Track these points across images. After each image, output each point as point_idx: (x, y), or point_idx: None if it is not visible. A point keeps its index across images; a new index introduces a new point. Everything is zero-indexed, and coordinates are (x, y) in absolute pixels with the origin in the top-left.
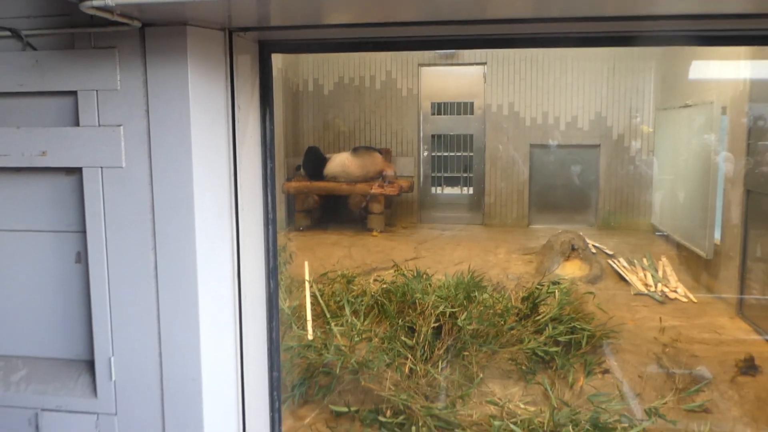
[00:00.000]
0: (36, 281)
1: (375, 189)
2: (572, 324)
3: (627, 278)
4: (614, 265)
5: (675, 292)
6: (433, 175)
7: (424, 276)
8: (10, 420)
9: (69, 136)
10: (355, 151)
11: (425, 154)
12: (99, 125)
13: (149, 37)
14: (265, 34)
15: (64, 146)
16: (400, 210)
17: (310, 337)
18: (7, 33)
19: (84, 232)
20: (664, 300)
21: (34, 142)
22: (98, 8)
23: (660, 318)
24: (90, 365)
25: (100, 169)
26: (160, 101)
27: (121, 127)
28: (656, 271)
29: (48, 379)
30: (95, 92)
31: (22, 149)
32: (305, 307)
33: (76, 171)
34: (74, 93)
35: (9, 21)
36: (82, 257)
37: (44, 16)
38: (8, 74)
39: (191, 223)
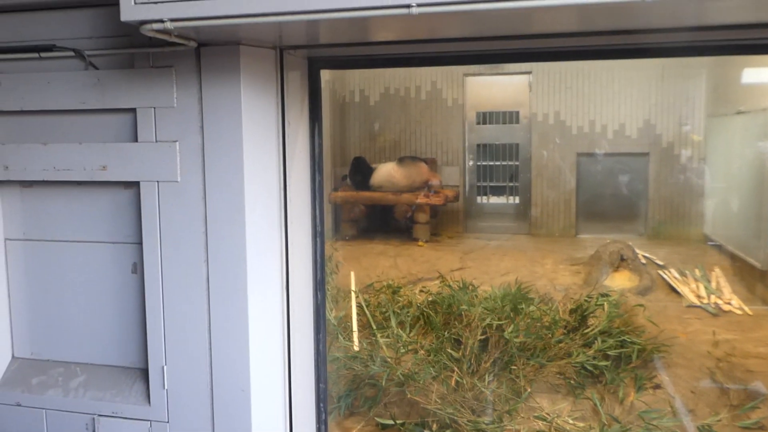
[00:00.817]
0: (94, 291)
1: (421, 199)
2: (622, 337)
3: (678, 290)
4: (665, 276)
5: (729, 304)
6: (478, 184)
7: (470, 287)
8: (69, 424)
9: (128, 152)
10: (401, 161)
11: (470, 163)
12: (156, 141)
13: (204, 56)
14: (315, 51)
15: (123, 161)
16: (445, 220)
17: (356, 348)
18: (71, 53)
19: (140, 243)
20: (718, 312)
21: (95, 157)
22: (157, 30)
23: (713, 331)
24: (144, 373)
25: (156, 183)
26: (214, 118)
27: (177, 143)
28: (709, 282)
29: (105, 385)
30: (153, 109)
31: (84, 164)
32: (351, 317)
33: (134, 185)
34: (133, 110)
35: (73, 42)
36: (138, 268)
37: (106, 37)
38: (72, 93)
39: (242, 236)
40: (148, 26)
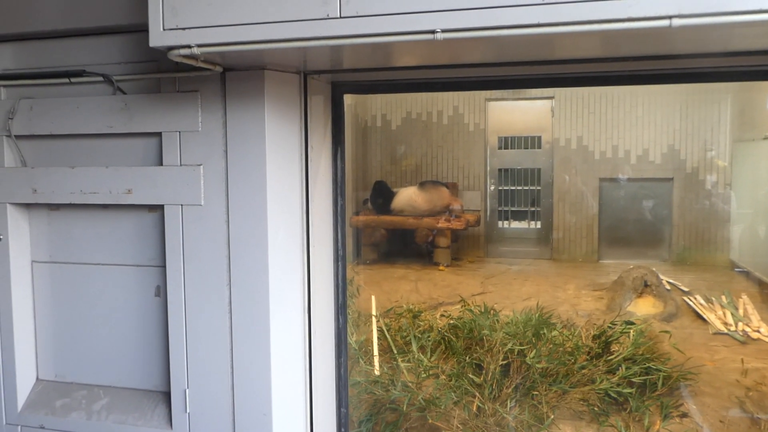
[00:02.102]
0: (118, 313)
1: (442, 223)
2: (647, 364)
3: (704, 316)
4: (690, 303)
5: (758, 332)
6: (500, 209)
7: (492, 312)
8: None
9: (153, 175)
10: (422, 185)
11: (492, 188)
12: (181, 165)
13: (229, 81)
14: (338, 76)
15: (148, 184)
16: (466, 244)
17: (377, 372)
18: (100, 78)
19: (164, 266)
20: (746, 340)
21: (121, 180)
22: (185, 56)
23: (742, 359)
24: (166, 397)
25: (180, 206)
26: (238, 141)
27: (201, 167)
28: (736, 309)
29: (127, 408)
30: (178, 133)
31: (110, 187)
32: (372, 341)
33: (158, 208)
34: (159, 134)
35: (102, 67)
36: (161, 291)
37: (133, 62)
38: (100, 117)
39: (265, 260)
40: (176, 52)
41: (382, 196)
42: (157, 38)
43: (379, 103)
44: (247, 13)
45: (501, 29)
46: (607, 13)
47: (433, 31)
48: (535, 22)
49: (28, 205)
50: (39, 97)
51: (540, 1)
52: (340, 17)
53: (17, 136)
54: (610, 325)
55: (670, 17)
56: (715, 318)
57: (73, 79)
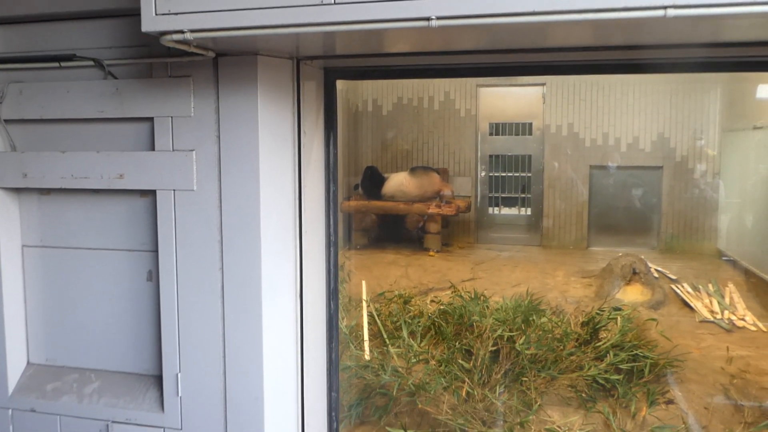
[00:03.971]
0: (110, 298)
1: (432, 209)
2: (634, 351)
3: (691, 304)
4: (678, 291)
5: (743, 320)
6: (490, 195)
7: (482, 298)
8: (83, 430)
9: (145, 160)
10: (413, 170)
11: (483, 174)
12: (173, 150)
13: (222, 66)
14: (331, 62)
15: (140, 169)
16: (457, 230)
17: (367, 357)
18: (91, 63)
19: (156, 251)
20: (731, 328)
21: (113, 165)
22: (177, 41)
23: (727, 347)
24: (158, 380)
25: (172, 191)
26: (231, 127)
27: (194, 152)
28: (723, 297)
29: (119, 392)
30: (170, 119)
31: (101, 172)
32: (362, 326)
33: (150, 193)
34: (151, 119)
35: (93, 51)
36: (153, 276)
37: (125, 47)
38: (90, 101)
39: (257, 245)
40: (169, 37)
41: (372, 181)
42: (150, 23)
43: (370, 88)
44: None
45: (496, 17)
46: (603, 2)
47: (428, 18)
48: (531, 10)
49: (18, 190)
50: (28, 81)
51: None
52: (335, 3)
53: (6, 120)
54: (598, 311)
55: (665, 7)
56: (701, 306)
57: (63, 63)
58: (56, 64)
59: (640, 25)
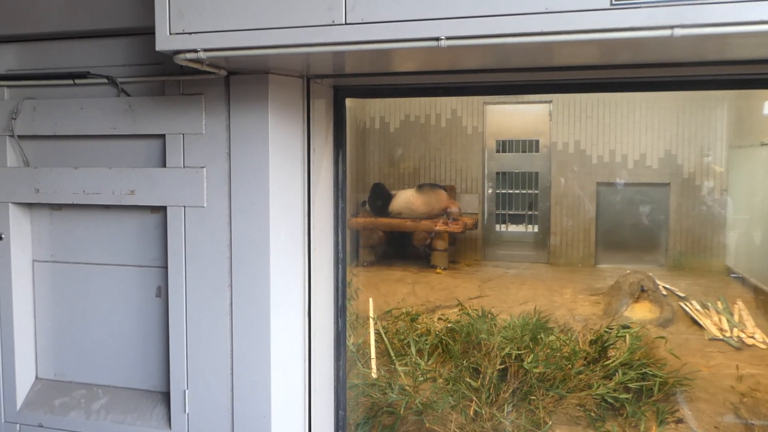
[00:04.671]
0: (118, 313)
1: (439, 226)
2: (643, 370)
3: (700, 322)
4: (686, 308)
5: (752, 337)
6: (497, 212)
7: (489, 316)
8: None
9: (156, 177)
10: (420, 188)
11: (490, 191)
12: (184, 167)
13: (233, 85)
14: (340, 80)
15: (151, 186)
16: (464, 247)
17: (374, 375)
18: (104, 80)
19: (165, 267)
20: (741, 346)
21: (124, 181)
22: (190, 60)
23: (737, 365)
24: (165, 397)
25: (183, 208)
26: (242, 144)
27: (204, 169)
28: (732, 315)
29: (126, 408)
30: (182, 136)
31: (113, 188)
32: (370, 344)
33: (161, 209)
34: (162, 136)
35: (106, 69)
36: (162, 291)
37: (138, 65)
38: (103, 118)
39: (266, 262)
40: (182, 56)
41: (380, 198)
42: (164, 42)
43: (377, 106)
44: (253, 19)
45: (505, 37)
46: (610, 22)
47: (437, 39)
48: (539, 30)
49: (30, 205)
50: (42, 97)
51: (543, 10)
52: (346, 24)
53: (20, 136)
54: (606, 329)
55: (672, 27)
56: (710, 324)
57: (77, 81)
58: (70, 81)
59: (647, 44)
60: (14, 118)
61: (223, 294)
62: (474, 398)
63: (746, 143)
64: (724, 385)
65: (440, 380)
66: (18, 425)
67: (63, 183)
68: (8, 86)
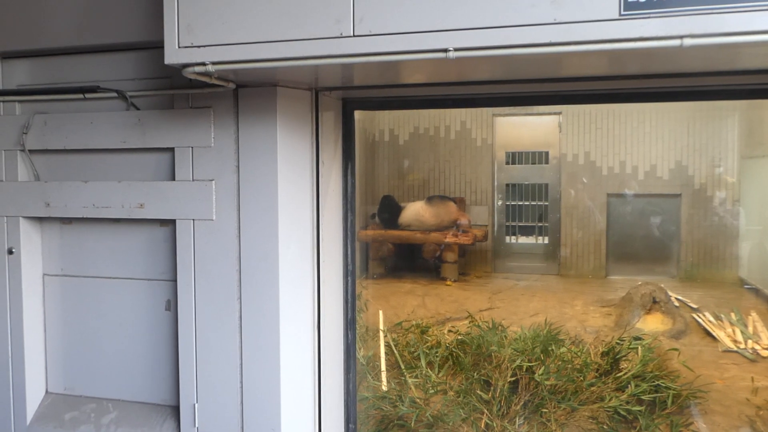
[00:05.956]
0: (128, 327)
1: (449, 238)
2: (656, 382)
3: (714, 334)
4: (699, 320)
5: (767, 349)
6: (507, 224)
7: (500, 328)
8: None
9: (165, 190)
10: (430, 200)
11: (499, 203)
12: (193, 180)
13: (242, 97)
14: (349, 92)
15: (161, 199)
16: (474, 259)
17: (384, 388)
18: (114, 94)
19: (174, 280)
20: (756, 358)
21: (134, 195)
22: (199, 73)
23: (752, 377)
24: (175, 411)
25: (192, 221)
26: (250, 157)
27: (213, 182)
28: (746, 326)
29: (136, 422)
30: (191, 149)
31: (122, 201)
32: (380, 357)
33: (170, 222)
34: (171, 149)
35: (116, 83)
36: (171, 305)
37: (147, 79)
38: (113, 132)
39: (275, 274)
40: (191, 69)
41: (389, 210)
42: (172, 55)
43: (386, 118)
44: (261, 32)
45: (513, 48)
46: (619, 32)
47: (445, 50)
48: (547, 41)
49: (40, 219)
50: (53, 112)
51: (551, 21)
52: (354, 36)
53: (31, 151)
54: (618, 341)
55: (681, 37)
56: (724, 335)
57: (87, 95)
58: (80, 96)
59: (656, 54)
60: (25, 133)
61: (232, 307)
62: (485, 411)
63: (758, 153)
64: (739, 397)
65: (451, 393)
66: None
67: (73, 197)
68: (20, 101)
